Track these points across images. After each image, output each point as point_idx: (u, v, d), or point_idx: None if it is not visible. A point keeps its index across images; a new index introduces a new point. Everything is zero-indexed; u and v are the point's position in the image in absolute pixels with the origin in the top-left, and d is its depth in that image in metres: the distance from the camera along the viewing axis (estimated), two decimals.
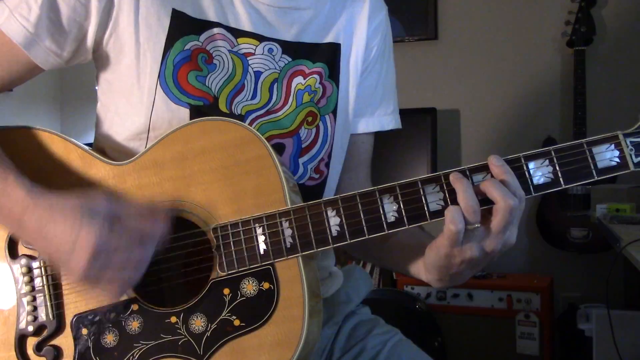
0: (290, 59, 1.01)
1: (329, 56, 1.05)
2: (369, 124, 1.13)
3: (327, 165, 1.06)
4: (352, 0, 1.09)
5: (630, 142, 0.80)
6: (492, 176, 0.80)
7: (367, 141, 1.15)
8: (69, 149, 0.92)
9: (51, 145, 0.93)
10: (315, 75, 1.03)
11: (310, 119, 1.02)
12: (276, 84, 1.00)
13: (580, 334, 2.35)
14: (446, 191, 0.81)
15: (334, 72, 1.06)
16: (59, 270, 0.86)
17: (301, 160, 1.02)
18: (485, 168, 0.80)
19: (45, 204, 0.82)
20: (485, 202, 0.78)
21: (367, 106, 1.12)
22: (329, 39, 1.05)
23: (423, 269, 0.91)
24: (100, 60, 0.98)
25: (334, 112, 1.05)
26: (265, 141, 0.86)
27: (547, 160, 0.80)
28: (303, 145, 1.02)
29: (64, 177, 0.91)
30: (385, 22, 1.14)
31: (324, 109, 1.04)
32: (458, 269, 0.83)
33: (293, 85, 1.01)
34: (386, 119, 1.15)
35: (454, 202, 0.80)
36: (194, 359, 0.84)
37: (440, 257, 0.82)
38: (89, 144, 0.96)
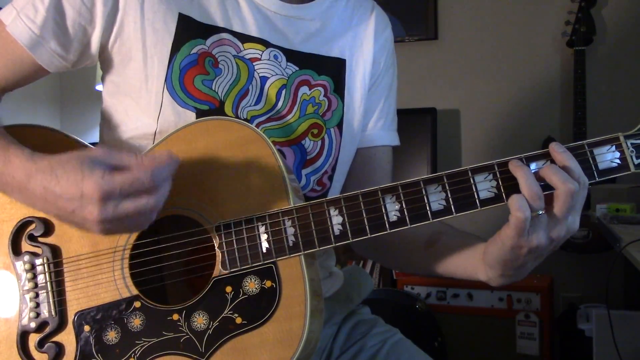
0: (297, 68, 1.02)
1: (334, 71, 1.06)
2: (383, 138, 1.15)
3: (330, 178, 1.07)
4: (358, 17, 1.11)
5: (631, 143, 0.80)
6: (551, 163, 0.80)
7: (386, 152, 1.16)
8: (73, 147, 0.92)
9: (55, 144, 0.93)
10: (320, 88, 1.04)
11: (315, 131, 1.03)
12: (284, 90, 1.00)
13: (580, 334, 2.35)
14: (448, 191, 0.81)
15: (339, 87, 1.06)
16: (80, 228, 0.83)
17: (304, 172, 1.02)
18: (544, 156, 0.80)
19: (46, 166, 0.80)
20: (545, 189, 0.78)
21: (378, 120, 1.14)
22: (334, 53, 1.07)
23: (482, 267, 0.90)
24: (106, 63, 0.98)
25: (339, 126, 1.06)
26: (269, 141, 0.86)
27: (549, 161, 0.80)
28: (307, 157, 1.02)
29: None
30: (391, 39, 1.17)
31: (330, 122, 1.05)
32: (524, 260, 0.82)
33: (299, 94, 1.02)
34: (395, 135, 1.18)
35: (456, 202, 0.81)
36: (195, 357, 0.84)
37: (506, 249, 0.81)
38: (92, 144, 0.96)
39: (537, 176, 0.79)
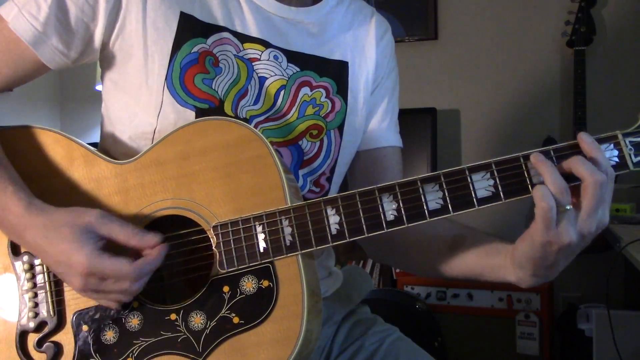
0: (298, 69, 1.02)
1: (336, 73, 1.06)
2: (391, 139, 1.14)
3: (329, 180, 1.07)
4: (358, 21, 1.12)
5: (630, 141, 0.80)
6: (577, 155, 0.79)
7: (396, 153, 1.16)
8: (72, 148, 0.93)
9: (54, 144, 0.93)
10: (321, 89, 1.04)
11: (315, 132, 1.03)
12: (283, 90, 1.00)
13: (580, 334, 2.35)
14: (445, 190, 0.81)
15: (341, 89, 1.06)
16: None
17: (301, 172, 1.02)
18: (569, 148, 0.79)
19: (41, 224, 0.84)
20: (570, 181, 0.78)
21: (382, 120, 1.14)
22: (336, 56, 1.07)
23: (511, 267, 0.88)
24: (106, 60, 0.98)
25: (340, 128, 1.06)
26: (266, 140, 0.86)
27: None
28: (305, 158, 1.02)
29: (67, 176, 0.92)
30: (392, 43, 1.17)
31: (331, 124, 1.05)
32: (554, 258, 0.81)
33: (300, 95, 1.02)
34: (399, 137, 1.17)
35: (453, 200, 0.81)
36: (193, 356, 0.84)
37: (536, 246, 0.80)
38: (91, 144, 0.96)
39: (562, 168, 0.78)
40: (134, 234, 0.84)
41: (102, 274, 0.81)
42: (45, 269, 0.90)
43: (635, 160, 0.80)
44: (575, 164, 0.77)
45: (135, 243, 0.84)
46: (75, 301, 0.89)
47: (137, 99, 0.96)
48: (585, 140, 0.78)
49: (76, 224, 0.83)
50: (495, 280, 0.93)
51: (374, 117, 1.13)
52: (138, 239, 0.84)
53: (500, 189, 0.80)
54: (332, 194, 1.08)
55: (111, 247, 0.83)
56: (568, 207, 0.77)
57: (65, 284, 0.90)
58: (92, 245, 0.82)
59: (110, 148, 1.00)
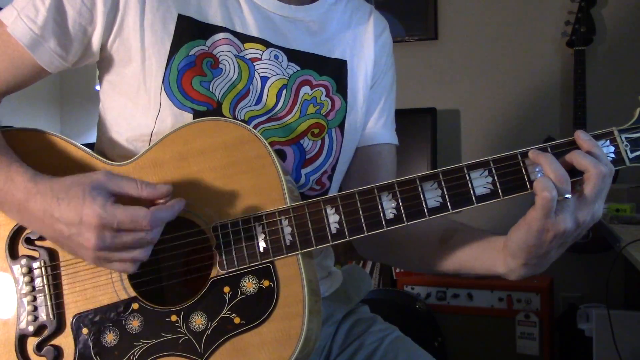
0: (298, 68, 1.02)
1: (335, 71, 1.06)
2: (386, 136, 1.15)
3: (330, 178, 1.07)
4: (357, 19, 1.12)
5: (625, 137, 0.81)
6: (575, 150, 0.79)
7: (391, 151, 1.16)
8: (69, 150, 0.93)
9: (51, 147, 0.93)
10: (321, 88, 1.04)
11: (316, 130, 1.03)
12: (285, 90, 1.00)
13: (580, 334, 2.35)
14: (444, 188, 0.81)
15: (341, 88, 1.06)
16: (73, 254, 0.85)
17: (304, 171, 1.02)
18: (567, 145, 0.80)
19: (48, 188, 0.82)
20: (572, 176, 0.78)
21: (379, 118, 1.14)
22: (335, 55, 1.07)
23: (501, 258, 0.89)
24: (104, 62, 0.98)
25: (341, 127, 1.06)
26: (264, 141, 0.87)
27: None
28: (307, 156, 1.02)
29: None
30: (390, 41, 1.17)
31: (332, 122, 1.05)
32: (548, 247, 0.82)
33: (301, 94, 1.02)
34: (395, 135, 1.17)
35: (452, 198, 0.81)
36: (194, 357, 0.84)
37: (532, 233, 0.80)
38: (89, 145, 0.96)
39: (562, 162, 0.79)
40: (144, 185, 0.82)
41: (117, 223, 0.77)
42: (43, 272, 0.90)
43: (631, 155, 0.81)
44: (577, 157, 0.78)
45: (147, 194, 0.81)
46: (75, 304, 0.89)
47: (135, 102, 0.95)
48: (582, 137, 0.80)
49: (85, 182, 0.80)
50: (485, 272, 0.94)
51: (371, 114, 1.13)
52: (149, 190, 0.82)
53: (498, 186, 0.81)
54: (333, 191, 1.08)
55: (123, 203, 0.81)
56: (567, 196, 0.78)
57: (64, 286, 0.89)
58: (104, 198, 0.79)
59: (107, 150, 1.00)
